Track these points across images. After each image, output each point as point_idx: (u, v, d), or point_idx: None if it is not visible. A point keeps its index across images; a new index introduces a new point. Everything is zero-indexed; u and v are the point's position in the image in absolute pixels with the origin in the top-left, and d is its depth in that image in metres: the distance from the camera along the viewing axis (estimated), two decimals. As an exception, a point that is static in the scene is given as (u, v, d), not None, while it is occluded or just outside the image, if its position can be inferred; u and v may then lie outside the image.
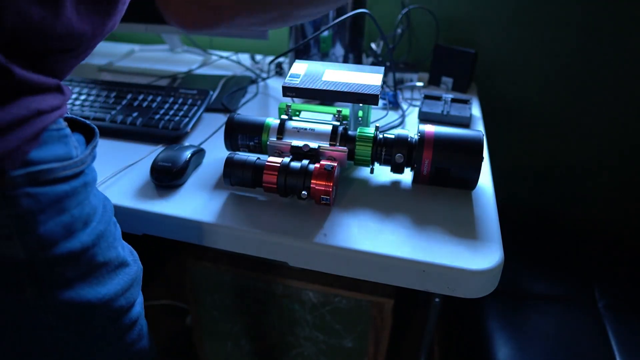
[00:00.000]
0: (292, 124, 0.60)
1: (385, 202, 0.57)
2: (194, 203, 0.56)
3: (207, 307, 0.96)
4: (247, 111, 0.82)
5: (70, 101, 0.78)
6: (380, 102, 0.86)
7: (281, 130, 0.59)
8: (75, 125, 0.42)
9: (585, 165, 1.15)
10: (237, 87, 0.89)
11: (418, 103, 0.84)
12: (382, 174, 0.63)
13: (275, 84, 0.94)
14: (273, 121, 0.61)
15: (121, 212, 0.56)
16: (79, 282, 0.39)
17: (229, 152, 0.58)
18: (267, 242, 0.52)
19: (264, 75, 0.98)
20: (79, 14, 0.36)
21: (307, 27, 0.90)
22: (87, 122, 0.43)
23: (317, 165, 0.54)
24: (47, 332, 0.39)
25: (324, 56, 0.94)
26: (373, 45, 0.98)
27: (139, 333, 0.47)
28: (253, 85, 0.92)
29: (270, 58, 1.08)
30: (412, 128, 0.77)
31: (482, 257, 0.49)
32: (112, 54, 1.12)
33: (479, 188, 0.60)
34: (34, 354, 0.41)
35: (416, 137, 0.58)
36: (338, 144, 0.58)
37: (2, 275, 0.36)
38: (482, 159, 0.56)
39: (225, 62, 1.07)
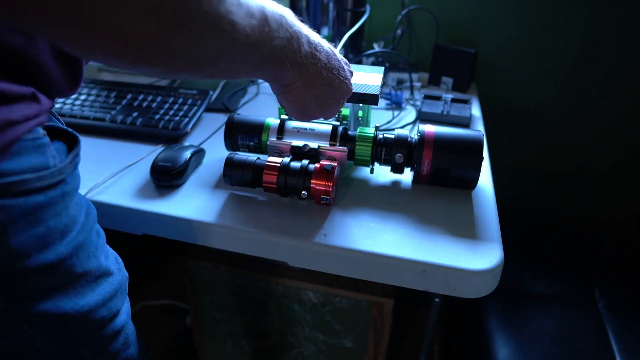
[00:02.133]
0: (292, 124, 0.60)
1: (385, 202, 0.57)
2: (194, 203, 0.56)
3: (207, 307, 0.96)
4: (247, 111, 0.82)
5: (70, 101, 0.78)
6: (384, 102, 0.86)
7: (281, 130, 0.59)
8: (57, 133, 0.40)
9: (585, 165, 1.15)
10: (237, 87, 0.89)
11: (418, 103, 0.84)
12: (382, 174, 0.63)
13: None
14: (273, 121, 0.61)
15: (121, 212, 0.56)
16: (56, 294, 0.38)
17: (229, 152, 0.58)
18: (267, 242, 0.52)
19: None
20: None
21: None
22: (69, 129, 0.42)
23: (317, 165, 0.54)
24: (25, 342, 0.38)
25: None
26: (375, 46, 0.98)
27: (124, 342, 0.46)
28: (253, 86, 0.92)
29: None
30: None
31: (482, 257, 0.49)
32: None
33: (479, 188, 0.60)
34: None
35: (416, 137, 0.58)
36: (338, 144, 0.58)
37: None
38: (482, 158, 0.56)
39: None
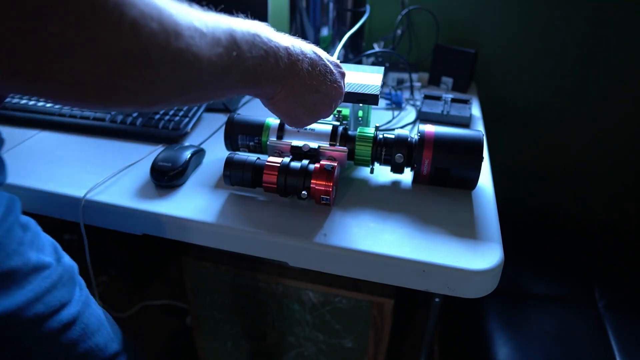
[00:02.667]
0: (292, 124, 0.60)
1: (385, 202, 0.57)
2: (194, 203, 0.56)
3: (207, 307, 0.96)
4: (247, 111, 0.82)
5: (70, 101, 0.78)
6: (384, 102, 0.86)
7: (281, 130, 0.59)
8: None
9: (585, 165, 1.15)
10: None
11: (418, 103, 0.84)
12: (382, 174, 0.63)
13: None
14: (273, 121, 0.61)
15: (121, 212, 0.56)
16: None
17: (229, 152, 0.58)
18: (267, 242, 0.52)
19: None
20: None
21: (307, 27, 0.90)
22: None
23: (317, 165, 0.54)
24: None
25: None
26: (375, 46, 0.98)
27: (82, 332, 0.45)
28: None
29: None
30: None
31: (482, 257, 0.49)
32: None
33: (479, 188, 0.60)
34: None
35: (416, 137, 0.58)
36: (338, 143, 0.58)
37: None
38: (482, 158, 0.56)
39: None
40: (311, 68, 0.44)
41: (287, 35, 0.43)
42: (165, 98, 0.32)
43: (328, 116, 0.51)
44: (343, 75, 0.51)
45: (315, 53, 0.46)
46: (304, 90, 0.45)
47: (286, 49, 0.42)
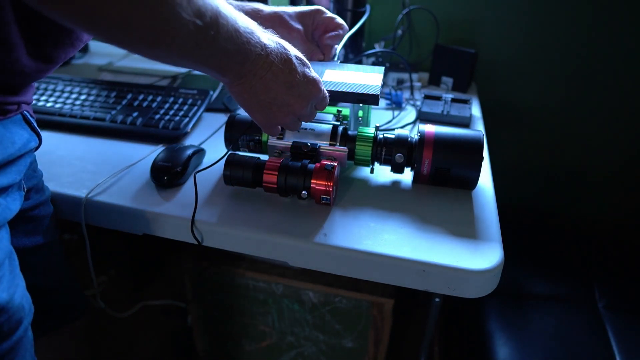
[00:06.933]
0: (292, 123, 0.60)
1: (385, 202, 0.57)
2: (194, 203, 0.56)
3: (207, 307, 0.96)
4: (247, 111, 0.82)
5: (70, 101, 0.78)
6: (384, 102, 0.86)
7: (281, 130, 0.59)
8: None
9: (585, 165, 1.15)
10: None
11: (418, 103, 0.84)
12: (382, 173, 0.63)
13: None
14: (273, 121, 0.60)
15: (121, 212, 0.56)
16: None
17: (229, 152, 0.58)
18: (267, 242, 0.52)
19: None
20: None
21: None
22: None
23: (317, 165, 0.54)
24: None
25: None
26: (376, 46, 0.98)
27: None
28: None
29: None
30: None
31: (483, 257, 0.49)
32: (112, 53, 1.12)
33: (479, 188, 0.60)
34: None
35: (416, 137, 0.58)
36: (338, 143, 0.58)
37: None
38: (482, 158, 0.56)
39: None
40: (284, 67, 0.45)
41: (273, 35, 0.45)
42: (138, 40, 0.34)
43: (280, 124, 0.50)
44: (316, 83, 0.49)
45: (292, 56, 0.46)
46: (267, 90, 0.45)
47: (259, 55, 0.43)
